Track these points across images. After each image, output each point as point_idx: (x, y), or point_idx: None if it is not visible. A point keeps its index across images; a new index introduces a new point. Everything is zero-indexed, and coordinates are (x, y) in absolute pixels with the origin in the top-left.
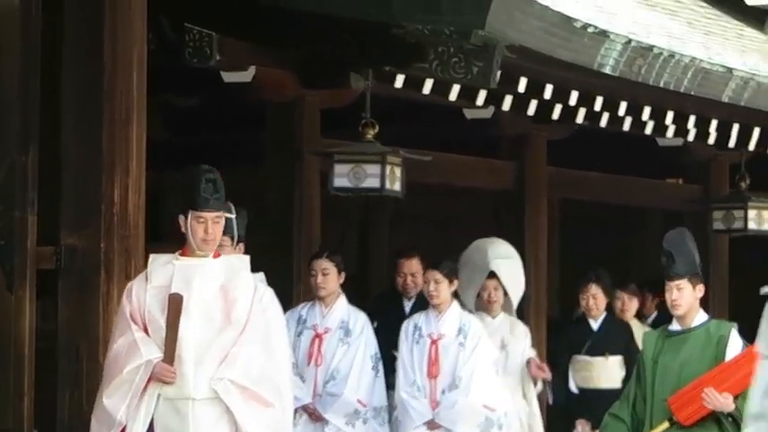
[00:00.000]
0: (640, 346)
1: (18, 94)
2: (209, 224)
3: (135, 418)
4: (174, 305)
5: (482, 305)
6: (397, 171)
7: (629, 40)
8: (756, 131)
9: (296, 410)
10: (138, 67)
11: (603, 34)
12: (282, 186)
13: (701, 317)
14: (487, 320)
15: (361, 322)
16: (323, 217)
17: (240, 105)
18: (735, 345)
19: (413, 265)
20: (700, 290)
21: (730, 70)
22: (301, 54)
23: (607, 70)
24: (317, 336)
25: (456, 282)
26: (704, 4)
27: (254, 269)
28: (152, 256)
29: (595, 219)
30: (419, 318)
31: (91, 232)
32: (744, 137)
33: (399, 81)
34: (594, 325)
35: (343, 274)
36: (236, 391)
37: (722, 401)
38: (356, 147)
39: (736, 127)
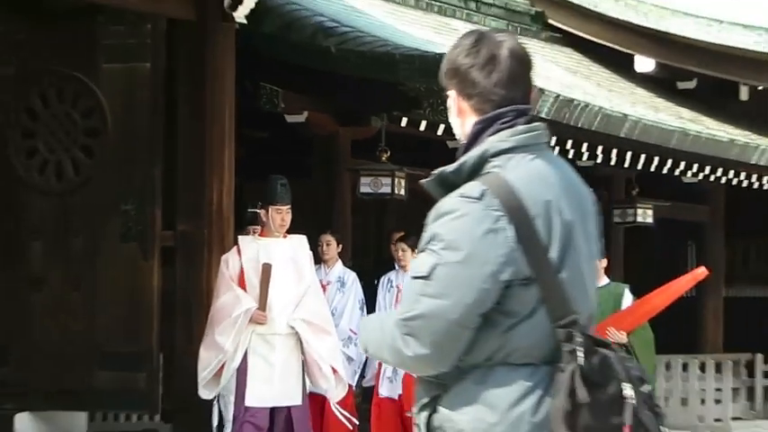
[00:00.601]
0: None
1: (149, 129)
2: (283, 214)
3: (236, 347)
4: (266, 271)
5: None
6: (402, 182)
7: (558, 95)
8: (642, 157)
9: None
10: (230, 112)
11: (541, 91)
12: (325, 192)
13: (605, 280)
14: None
15: (351, 278)
16: (353, 212)
17: (296, 137)
18: (627, 299)
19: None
20: (604, 262)
21: (625, 116)
22: (338, 103)
23: (543, 115)
24: (323, 287)
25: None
26: (607, 71)
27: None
28: (240, 238)
29: None
30: (392, 274)
31: (198, 222)
32: (634, 160)
33: (404, 122)
34: None
35: (340, 246)
36: (305, 326)
37: (619, 336)
38: (375, 166)
39: (629, 154)
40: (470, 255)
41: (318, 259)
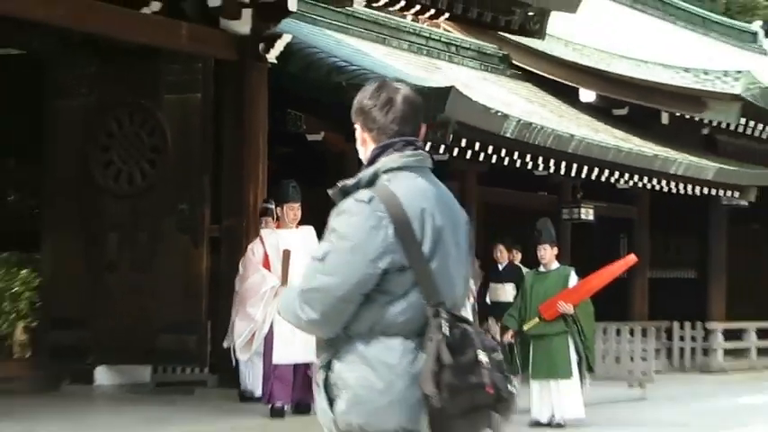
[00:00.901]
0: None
1: (200, 146)
2: (295, 210)
3: (264, 318)
4: (286, 255)
5: None
6: None
7: (520, 120)
8: (585, 168)
9: None
10: (263, 132)
11: (506, 116)
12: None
13: (555, 264)
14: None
15: None
16: None
17: (315, 153)
18: (573, 279)
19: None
20: (555, 250)
21: (572, 136)
22: (348, 125)
23: (508, 135)
24: None
25: None
26: (558, 101)
27: None
28: (262, 230)
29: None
30: None
31: (238, 218)
32: (579, 170)
33: None
34: (500, 267)
35: None
36: None
37: (567, 308)
38: None
39: (574, 165)
40: (357, 245)
41: None
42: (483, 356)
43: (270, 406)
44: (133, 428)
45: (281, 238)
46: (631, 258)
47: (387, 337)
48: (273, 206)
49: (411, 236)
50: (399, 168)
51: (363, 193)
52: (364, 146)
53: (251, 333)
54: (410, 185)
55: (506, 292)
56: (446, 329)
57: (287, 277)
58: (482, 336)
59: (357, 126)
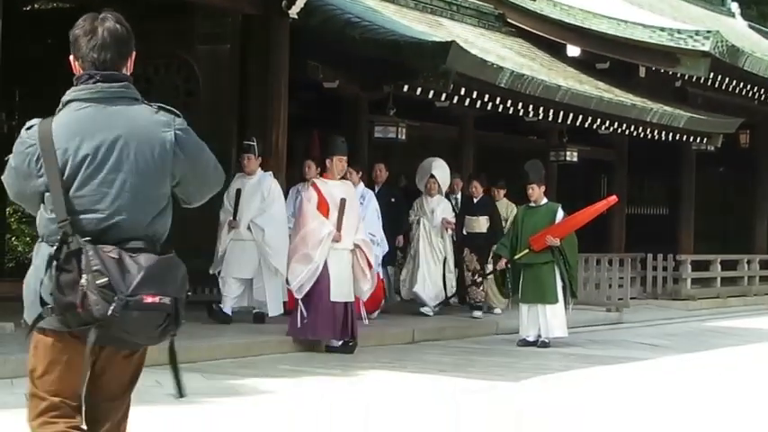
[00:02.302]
0: (502, 212)
1: (228, 91)
2: (343, 162)
3: (321, 258)
4: (342, 204)
5: (427, 191)
6: (403, 130)
7: (513, 71)
8: (570, 115)
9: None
10: (285, 80)
11: (500, 68)
12: (351, 136)
13: (544, 200)
14: (429, 198)
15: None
16: (369, 150)
17: (331, 100)
18: (560, 215)
19: (382, 168)
20: (543, 188)
21: (559, 86)
22: (360, 74)
23: (502, 85)
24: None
25: (361, 173)
26: (547, 56)
27: None
28: (315, 180)
29: (503, 155)
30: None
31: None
32: (564, 117)
33: (405, 88)
34: (476, 200)
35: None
36: (363, 244)
37: (554, 240)
38: (384, 118)
39: (561, 113)
40: (13, 166)
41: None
42: (84, 278)
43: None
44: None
45: (331, 187)
46: (612, 199)
47: (45, 244)
48: (255, 144)
49: (53, 162)
50: (70, 100)
51: (31, 122)
52: (76, 72)
53: (308, 273)
54: (70, 117)
55: (480, 224)
56: (52, 249)
57: (341, 224)
58: (98, 258)
59: (72, 55)
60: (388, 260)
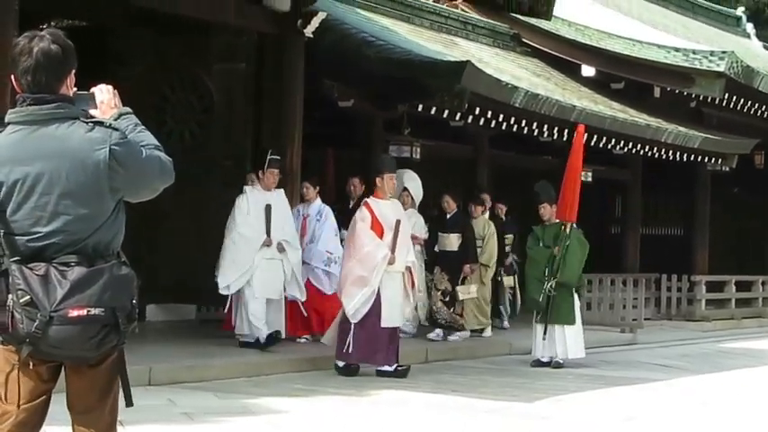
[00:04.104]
0: (478, 230)
1: (243, 109)
2: (393, 180)
3: (377, 281)
4: (397, 225)
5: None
6: (418, 149)
7: (528, 91)
8: (585, 135)
9: None
10: (300, 98)
11: (515, 88)
12: (366, 155)
13: (555, 220)
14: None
15: (326, 211)
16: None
17: (345, 118)
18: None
19: (356, 182)
20: (554, 208)
21: (574, 106)
22: (376, 94)
23: (517, 105)
24: (303, 219)
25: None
26: (562, 75)
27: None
28: (368, 199)
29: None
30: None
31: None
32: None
33: (420, 108)
34: (448, 216)
35: (317, 188)
36: (412, 265)
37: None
38: (399, 137)
39: (575, 131)
40: None
41: (303, 198)
42: (10, 297)
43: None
44: (183, 360)
45: (383, 207)
46: (580, 128)
47: None
48: (378, 178)
49: None
50: (7, 123)
51: None
52: (17, 92)
53: (364, 296)
54: (3, 141)
55: (452, 241)
56: None
57: (395, 246)
58: (22, 277)
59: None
60: None
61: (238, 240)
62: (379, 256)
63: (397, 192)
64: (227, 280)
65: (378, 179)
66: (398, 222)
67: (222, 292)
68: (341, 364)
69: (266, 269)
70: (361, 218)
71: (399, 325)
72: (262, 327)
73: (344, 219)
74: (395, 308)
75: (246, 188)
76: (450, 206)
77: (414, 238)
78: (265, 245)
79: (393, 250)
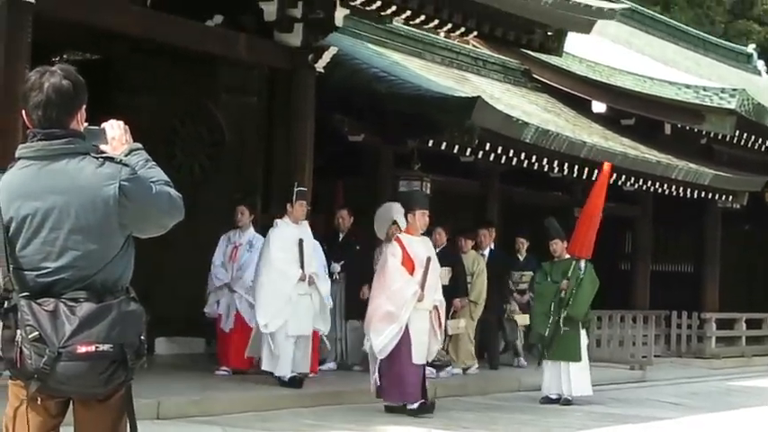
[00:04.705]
0: (467, 265)
1: (254, 143)
2: (426, 216)
3: (405, 318)
4: (428, 263)
5: (388, 238)
6: (428, 184)
7: (538, 127)
8: (595, 171)
9: None
10: (310, 132)
11: (525, 124)
12: (375, 189)
13: (566, 255)
14: (388, 245)
15: (260, 242)
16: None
17: (356, 153)
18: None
19: (345, 215)
20: (565, 243)
21: (584, 143)
22: (386, 128)
23: (527, 141)
24: (235, 247)
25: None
26: (573, 111)
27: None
28: (400, 235)
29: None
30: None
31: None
32: (589, 173)
33: (430, 143)
34: (438, 250)
35: (253, 215)
36: (439, 305)
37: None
38: (409, 172)
39: (586, 168)
40: None
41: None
42: (18, 333)
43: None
44: (192, 393)
45: (414, 243)
46: (606, 168)
47: None
48: (410, 214)
49: None
50: (18, 158)
51: None
52: (28, 127)
53: (392, 333)
54: (14, 176)
55: (442, 275)
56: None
57: (424, 282)
58: (30, 313)
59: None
60: (353, 314)
61: (276, 277)
62: (408, 292)
63: (385, 226)
64: (266, 318)
65: (409, 215)
66: (429, 259)
67: (261, 330)
68: (387, 403)
69: (299, 305)
70: (393, 253)
71: (426, 362)
72: (288, 365)
73: (333, 252)
74: (423, 345)
75: (278, 221)
76: (441, 239)
77: None
78: (300, 279)
79: (423, 287)
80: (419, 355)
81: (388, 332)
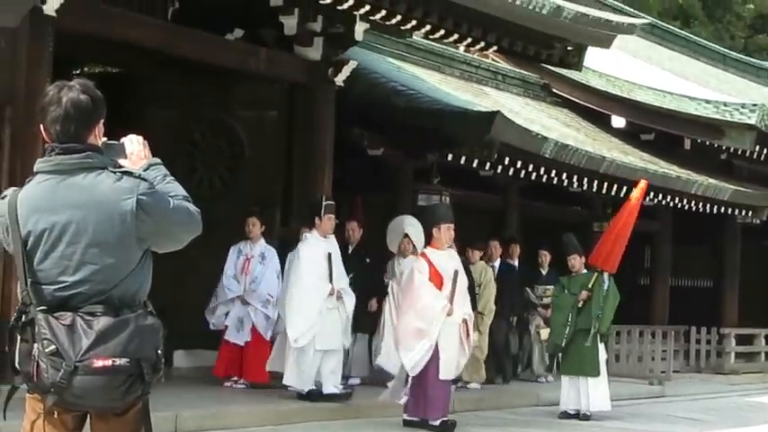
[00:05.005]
0: (475, 276)
1: (273, 156)
2: (451, 230)
3: (435, 333)
4: (455, 275)
5: (400, 252)
6: (447, 199)
7: (557, 142)
8: (615, 186)
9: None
10: (329, 146)
11: (545, 138)
12: (394, 203)
13: (584, 270)
14: (401, 260)
15: (271, 253)
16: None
17: (375, 167)
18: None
19: (354, 227)
20: (582, 259)
21: (604, 158)
22: (406, 142)
23: (546, 155)
24: (247, 259)
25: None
26: (592, 126)
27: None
28: (426, 250)
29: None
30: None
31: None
32: (609, 188)
33: (449, 157)
34: None
35: (263, 227)
36: (468, 316)
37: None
38: (428, 186)
39: (605, 183)
40: None
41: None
42: (35, 347)
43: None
44: (210, 406)
45: (443, 258)
46: (643, 185)
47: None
48: (435, 228)
49: (17, 235)
50: (36, 172)
51: (6, 192)
52: (46, 142)
53: (423, 349)
54: (32, 190)
55: None
56: (13, 320)
57: (452, 296)
58: (48, 327)
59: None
60: (359, 326)
61: (306, 291)
62: (437, 307)
63: (397, 239)
64: (296, 332)
65: (435, 229)
66: (456, 273)
67: (293, 345)
68: (407, 417)
69: (327, 319)
70: (419, 269)
71: (454, 377)
72: (311, 378)
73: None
74: (452, 360)
75: (307, 235)
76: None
77: None
78: (329, 294)
79: (451, 301)
80: (447, 370)
81: (419, 348)
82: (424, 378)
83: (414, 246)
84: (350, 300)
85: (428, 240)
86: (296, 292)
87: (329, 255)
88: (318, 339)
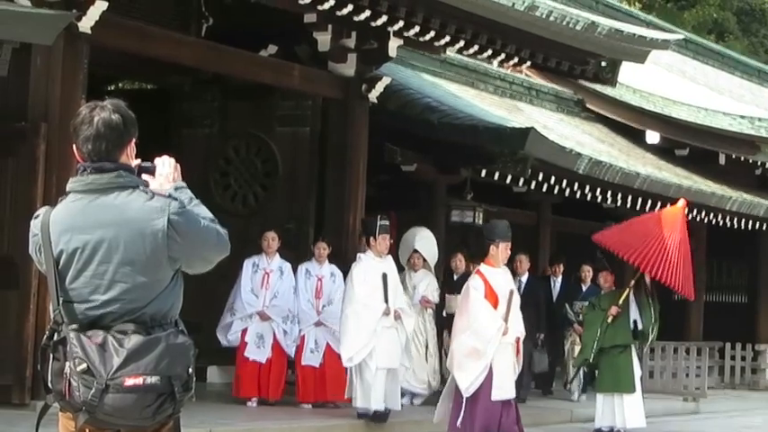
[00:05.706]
0: None
1: (307, 173)
2: (508, 249)
3: (491, 352)
4: (510, 294)
5: (410, 266)
6: (481, 214)
7: (591, 158)
8: (649, 201)
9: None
10: (363, 163)
11: (579, 154)
12: (427, 219)
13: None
14: (412, 274)
15: (288, 267)
16: (446, 233)
17: (408, 182)
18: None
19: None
20: (612, 277)
21: (638, 174)
22: (439, 158)
23: (580, 171)
24: (266, 274)
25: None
26: (626, 141)
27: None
28: (481, 267)
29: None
30: (308, 264)
31: (338, 238)
32: (643, 204)
33: (483, 173)
34: (456, 277)
35: (281, 241)
36: (521, 335)
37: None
38: (462, 203)
39: (640, 199)
40: (30, 250)
41: (260, 250)
42: (67, 365)
43: None
44: (242, 422)
45: (498, 277)
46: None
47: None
48: (492, 246)
49: (49, 253)
50: (68, 191)
51: (39, 211)
52: (78, 161)
53: (479, 369)
54: (64, 209)
55: (451, 303)
56: (45, 338)
57: (509, 316)
58: (79, 345)
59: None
60: None
61: (360, 310)
62: (494, 327)
63: (407, 253)
64: (350, 351)
65: (492, 246)
66: (512, 292)
67: (345, 364)
68: None
69: (385, 338)
70: (475, 287)
71: (511, 397)
72: (379, 398)
73: None
74: (506, 380)
75: (361, 255)
76: (461, 266)
77: (426, 302)
78: (384, 314)
79: (506, 320)
80: (499, 391)
81: (474, 369)
82: (479, 399)
83: (424, 260)
84: (409, 320)
85: (484, 256)
86: (350, 313)
87: (384, 275)
88: (376, 357)
